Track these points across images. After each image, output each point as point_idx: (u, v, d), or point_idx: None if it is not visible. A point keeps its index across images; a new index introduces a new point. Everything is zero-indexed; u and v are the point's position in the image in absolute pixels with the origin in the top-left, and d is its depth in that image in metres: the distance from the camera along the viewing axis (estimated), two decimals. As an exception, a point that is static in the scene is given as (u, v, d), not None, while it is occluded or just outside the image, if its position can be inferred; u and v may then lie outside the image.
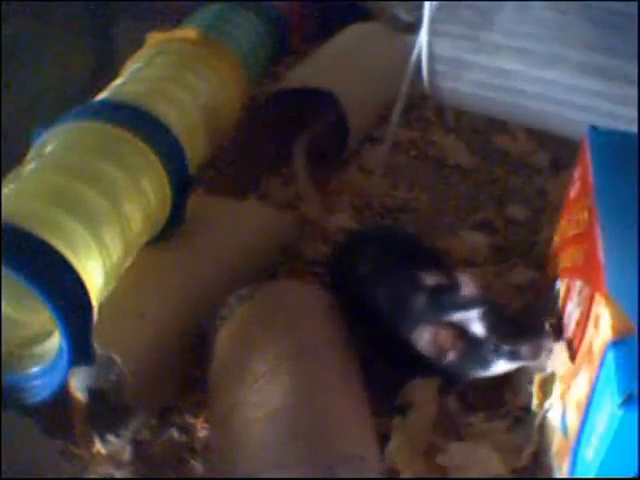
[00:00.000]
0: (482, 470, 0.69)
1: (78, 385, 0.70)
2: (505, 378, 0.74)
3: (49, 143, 0.74)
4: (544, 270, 0.84)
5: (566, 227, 0.79)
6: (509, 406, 0.74)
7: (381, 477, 0.65)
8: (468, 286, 0.72)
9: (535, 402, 0.72)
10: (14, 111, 0.99)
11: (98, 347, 0.67)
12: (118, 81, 0.86)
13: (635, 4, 0.86)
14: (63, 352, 0.64)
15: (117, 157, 0.74)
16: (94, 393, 0.71)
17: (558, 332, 0.71)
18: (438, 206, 0.98)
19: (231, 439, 0.64)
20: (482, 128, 1.08)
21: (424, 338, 0.71)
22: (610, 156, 0.75)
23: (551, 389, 0.71)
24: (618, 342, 0.58)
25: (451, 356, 0.71)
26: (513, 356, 0.70)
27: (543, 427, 0.71)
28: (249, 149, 1.02)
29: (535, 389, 0.72)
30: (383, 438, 0.70)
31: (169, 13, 1.09)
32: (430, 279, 0.74)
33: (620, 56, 0.87)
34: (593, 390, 0.60)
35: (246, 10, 1.04)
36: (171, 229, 0.81)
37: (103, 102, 0.81)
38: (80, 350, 0.65)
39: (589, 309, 0.64)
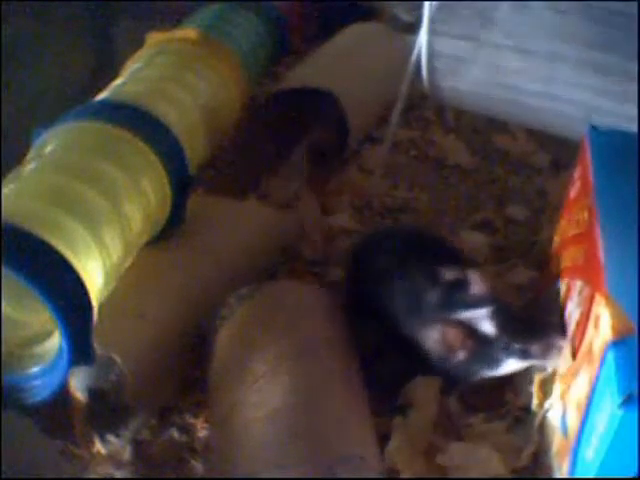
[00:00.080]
0: (482, 470, 0.69)
1: (78, 385, 0.70)
2: (505, 378, 0.74)
3: (49, 143, 0.74)
4: (544, 270, 0.84)
5: (566, 227, 0.79)
6: (509, 406, 0.74)
7: (381, 477, 0.65)
8: (478, 284, 0.72)
9: (535, 402, 0.72)
10: (14, 111, 0.99)
11: (98, 347, 0.67)
12: (118, 81, 0.86)
13: (635, 4, 0.86)
14: (63, 352, 0.64)
15: (117, 157, 0.74)
16: (94, 393, 0.71)
17: (562, 330, 0.71)
18: (438, 206, 0.98)
19: (231, 439, 0.64)
20: (482, 128, 1.08)
21: (433, 337, 0.71)
22: (610, 156, 0.75)
23: (551, 389, 0.71)
24: (618, 342, 0.58)
25: (460, 355, 0.71)
26: (524, 355, 0.70)
27: (543, 427, 0.71)
28: (249, 149, 1.02)
29: (535, 389, 0.72)
30: (383, 438, 0.70)
31: (169, 13, 1.09)
32: (444, 275, 0.73)
33: (620, 53, 0.87)
34: (593, 390, 0.60)
35: (246, 10, 1.03)
36: (171, 229, 0.81)
37: (103, 102, 0.81)
38: (80, 350, 0.65)
39: (589, 309, 0.64)
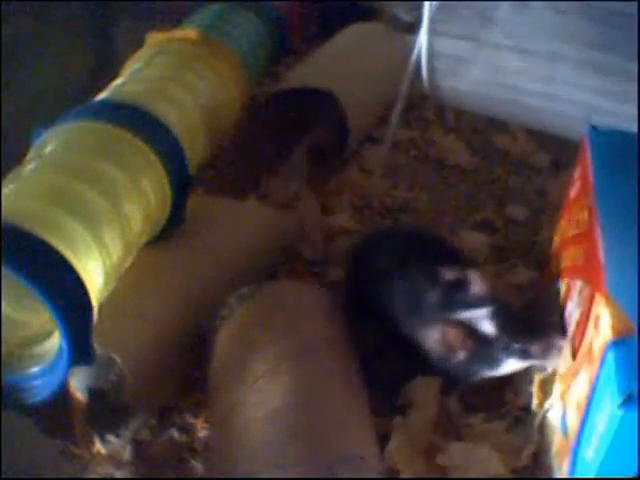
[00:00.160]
0: (482, 470, 0.69)
1: (78, 385, 0.70)
2: (505, 378, 0.74)
3: (49, 143, 0.74)
4: (544, 270, 0.84)
5: (566, 227, 0.79)
6: (509, 406, 0.74)
7: (381, 477, 0.65)
8: (478, 284, 0.72)
9: (535, 402, 0.72)
10: (14, 111, 0.99)
11: (98, 347, 0.67)
12: (118, 81, 0.86)
13: (635, 4, 0.86)
14: (63, 352, 0.64)
15: (117, 157, 0.74)
16: (94, 393, 0.71)
17: (562, 330, 0.71)
18: (438, 206, 0.98)
19: (231, 439, 0.64)
20: (482, 128, 1.08)
21: (433, 337, 0.71)
22: (610, 156, 0.75)
23: (551, 389, 0.71)
24: (618, 342, 0.58)
25: (460, 355, 0.71)
26: (524, 355, 0.70)
27: (543, 427, 0.71)
28: (249, 149, 1.02)
29: (535, 389, 0.72)
30: (383, 438, 0.70)
31: (169, 13, 1.09)
32: (444, 275, 0.73)
33: (620, 53, 0.87)
34: (593, 390, 0.60)
35: (246, 10, 1.03)
36: (171, 229, 0.81)
37: (103, 102, 0.81)
38: (80, 350, 0.65)
39: (589, 309, 0.64)
